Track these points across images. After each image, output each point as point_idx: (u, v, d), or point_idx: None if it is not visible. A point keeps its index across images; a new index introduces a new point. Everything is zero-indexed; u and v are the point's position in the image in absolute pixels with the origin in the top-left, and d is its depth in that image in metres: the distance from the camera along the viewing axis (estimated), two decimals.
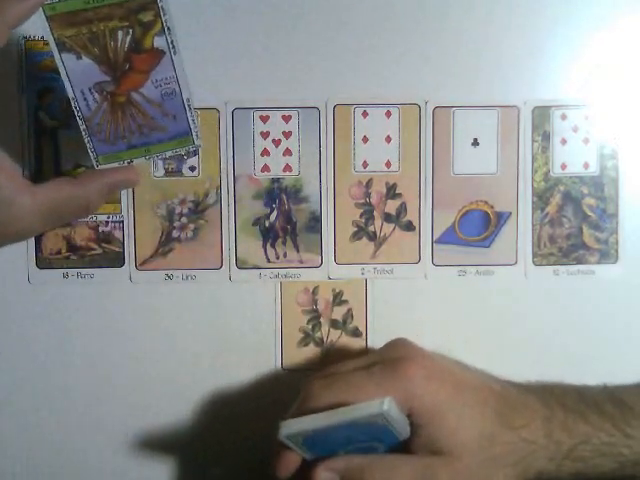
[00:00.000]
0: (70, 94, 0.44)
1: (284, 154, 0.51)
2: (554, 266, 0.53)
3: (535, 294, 0.53)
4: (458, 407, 0.44)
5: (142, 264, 0.52)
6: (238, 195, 0.52)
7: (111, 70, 0.44)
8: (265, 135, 0.51)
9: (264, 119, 0.51)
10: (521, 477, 0.45)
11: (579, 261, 0.53)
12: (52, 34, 0.43)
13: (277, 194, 0.52)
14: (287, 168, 0.52)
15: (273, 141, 0.51)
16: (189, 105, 0.46)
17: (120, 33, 0.43)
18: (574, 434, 0.46)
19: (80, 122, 0.45)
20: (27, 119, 0.50)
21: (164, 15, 0.43)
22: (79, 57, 0.43)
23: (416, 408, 0.44)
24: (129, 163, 0.47)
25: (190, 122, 0.46)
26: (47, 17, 0.42)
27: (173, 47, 0.44)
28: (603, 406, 0.47)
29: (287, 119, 0.51)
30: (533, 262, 0.53)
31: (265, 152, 0.51)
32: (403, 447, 0.45)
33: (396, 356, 0.46)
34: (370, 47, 0.51)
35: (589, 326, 0.53)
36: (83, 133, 0.45)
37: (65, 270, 0.51)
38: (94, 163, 0.46)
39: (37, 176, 0.50)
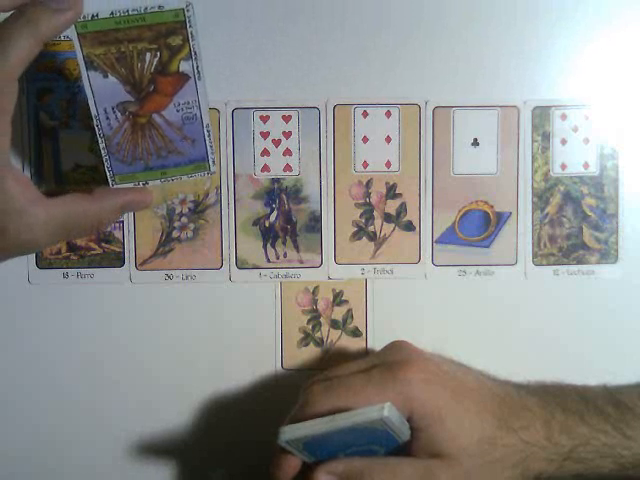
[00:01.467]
0: (93, 112, 0.44)
1: (284, 154, 0.51)
2: (554, 266, 0.53)
3: (535, 294, 0.53)
4: (458, 411, 0.44)
5: (142, 264, 0.52)
6: (238, 195, 0.52)
7: (135, 91, 0.44)
8: (265, 135, 0.51)
9: (264, 119, 0.51)
10: (521, 478, 0.45)
11: (579, 261, 0.53)
12: (81, 51, 0.43)
13: (277, 194, 0.52)
14: (287, 168, 0.52)
15: (273, 141, 0.51)
16: (208, 131, 0.46)
17: (148, 55, 0.43)
18: (574, 436, 0.46)
19: (100, 140, 0.45)
20: (27, 119, 0.50)
21: (192, 40, 0.43)
22: (105, 76, 0.44)
23: (416, 412, 0.44)
24: (144, 184, 0.47)
25: (208, 148, 0.47)
26: (78, 34, 0.42)
27: (198, 72, 0.44)
28: (603, 407, 0.47)
29: (287, 119, 0.51)
30: (533, 262, 0.53)
31: (265, 152, 0.51)
32: (403, 450, 0.45)
33: (396, 359, 0.46)
34: (370, 47, 0.51)
35: (589, 326, 0.53)
36: (102, 152, 0.45)
37: (65, 270, 0.51)
38: (110, 182, 0.46)
39: (37, 176, 0.50)
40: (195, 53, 0.44)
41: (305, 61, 0.51)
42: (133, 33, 0.43)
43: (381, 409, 0.41)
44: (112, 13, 0.42)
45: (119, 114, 0.45)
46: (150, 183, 0.47)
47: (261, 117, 0.51)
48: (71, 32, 0.42)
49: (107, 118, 0.45)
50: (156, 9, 0.42)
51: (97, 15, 0.42)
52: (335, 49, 0.51)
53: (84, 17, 0.42)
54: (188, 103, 0.45)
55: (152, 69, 0.44)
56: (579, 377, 0.51)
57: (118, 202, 0.46)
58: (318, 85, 0.51)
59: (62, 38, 0.49)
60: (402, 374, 0.44)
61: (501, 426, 0.45)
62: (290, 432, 0.42)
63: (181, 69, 0.44)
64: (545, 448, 0.45)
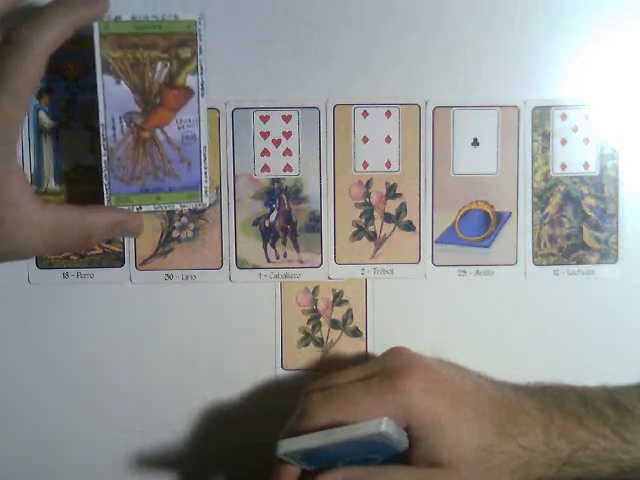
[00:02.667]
0: (101, 120, 0.45)
1: (284, 154, 0.51)
2: (554, 266, 0.53)
3: (535, 294, 0.53)
4: (456, 420, 0.44)
5: (142, 264, 0.52)
6: (238, 195, 0.52)
7: (143, 101, 0.45)
8: (265, 135, 0.51)
9: (264, 119, 0.51)
10: None
11: (579, 261, 0.53)
12: (100, 52, 0.44)
13: (277, 194, 0.52)
14: (287, 168, 0.52)
15: (273, 141, 0.51)
16: (205, 155, 0.47)
17: (159, 65, 0.45)
18: (573, 440, 0.46)
19: (103, 152, 0.46)
20: (27, 119, 0.50)
21: (200, 54, 0.45)
22: (118, 82, 0.45)
23: (414, 421, 0.44)
24: (138, 209, 0.47)
25: (202, 175, 0.47)
26: (100, 35, 0.44)
27: (202, 88, 0.46)
28: (602, 410, 0.47)
29: (287, 119, 0.51)
30: (533, 262, 0.53)
31: (265, 152, 0.51)
32: (402, 456, 0.45)
33: (395, 367, 0.46)
34: (370, 47, 0.51)
35: (589, 326, 0.53)
36: (103, 165, 0.46)
37: (65, 270, 0.51)
38: (105, 201, 0.47)
39: (37, 176, 0.50)
40: (201, 68, 0.45)
41: (305, 61, 0.51)
42: (149, 40, 0.44)
43: (378, 424, 0.41)
44: (133, 17, 0.44)
45: (124, 125, 0.45)
46: (144, 208, 0.47)
47: (261, 117, 0.51)
48: (94, 32, 0.44)
49: (113, 128, 0.45)
50: (172, 18, 0.45)
51: (120, 17, 0.44)
52: (335, 49, 0.51)
53: (107, 17, 0.44)
54: (189, 121, 0.46)
55: (161, 80, 0.45)
56: (579, 377, 0.51)
57: (111, 219, 0.46)
58: (318, 85, 0.51)
59: None
60: (401, 384, 0.44)
61: (499, 433, 0.45)
62: (288, 445, 0.42)
63: (187, 83, 0.45)
64: (544, 453, 0.45)
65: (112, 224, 0.46)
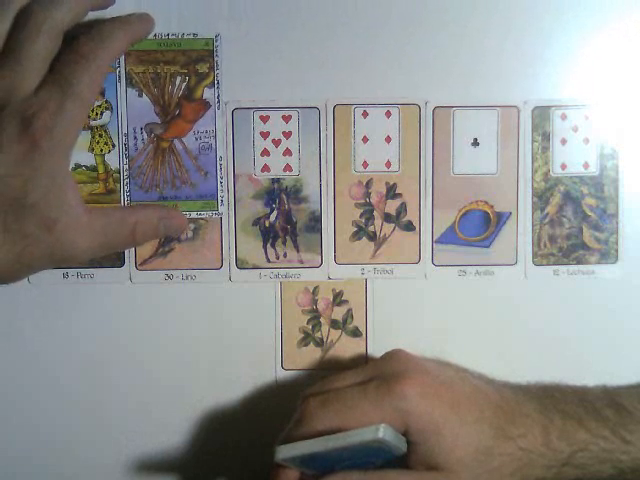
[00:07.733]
0: (124, 130, 0.48)
1: (284, 154, 0.51)
2: (554, 266, 0.53)
3: (535, 294, 0.53)
4: (454, 424, 0.44)
5: (142, 264, 0.52)
6: (238, 195, 0.52)
7: (163, 113, 0.48)
8: (265, 135, 0.51)
9: (264, 119, 0.51)
10: None
11: (579, 261, 0.53)
12: (125, 67, 0.48)
13: (277, 194, 0.52)
14: (287, 168, 0.52)
15: (273, 141, 0.51)
16: (221, 165, 0.49)
17: (178, 79, 0.48)
18: (572, 442, 0.46)
19: (125, 161, 0.48)
20: None
21: (217, 69, 0.48)
22: (140, 94, 0.48)
23: (412, 426, 0.44)
24: None
25: (218, 184, 0.49)
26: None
27: (219, 101, 0.49)
28: (602, 411, 0.47)
29: (287, 119, 0.51)
30: (533, 262, 0.53)
31: (265, 152, 0.51)
32: (400, 461, 0.45)
33: (393, 371, 0.46)
34: (370, 47, 0.51)
35: (589, 326, 0.53)
36: (124, 174, 0.48)
37: (65, 270, 0.51)
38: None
39: None
40: (218, 82, 0.48)
41: (305, 61, 0.51)
42: (169, 56, 0.48)
43: (376, 431, 0.41)
44: (155, 35, 0.48)
45: (145, 135, 0.48)
46: None
47: (261, 117, 0.51)
48: None
49: (135, 138, 0.48)
50: (191, 36, 0.48)
51: None
52: (335, 49, 0.51)
53: None
54: (206, 132, 0.49)
55: (180, 93, 0.48)
56: (579, 377, 0.51)
57: (155, 214, 0.47)
58: (318, 85, 0.51)
59: None
60: (398, 388, 0.44)
61: (498, 435, 0.45)
62: (286, 451, 0.43)
63: (204, 96, 0.48)
64: (543, 455, 0.45)
65: (157, 219, 0.47)
